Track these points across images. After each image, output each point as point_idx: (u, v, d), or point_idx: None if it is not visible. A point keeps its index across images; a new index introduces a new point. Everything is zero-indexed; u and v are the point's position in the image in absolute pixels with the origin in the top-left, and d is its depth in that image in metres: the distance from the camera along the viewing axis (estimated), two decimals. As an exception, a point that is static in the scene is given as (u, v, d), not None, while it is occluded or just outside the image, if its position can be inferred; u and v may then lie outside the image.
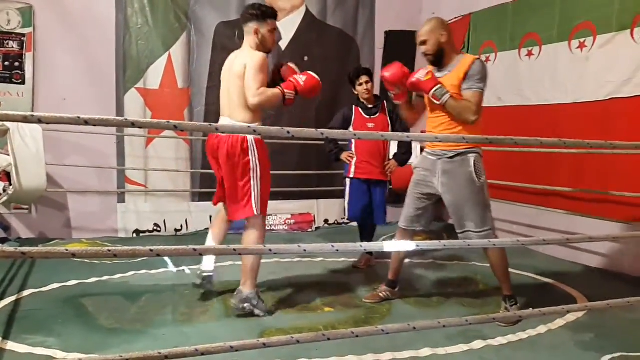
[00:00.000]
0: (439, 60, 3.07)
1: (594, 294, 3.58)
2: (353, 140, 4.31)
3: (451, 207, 3.13)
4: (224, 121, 3.15)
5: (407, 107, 3.28)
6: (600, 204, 4.26)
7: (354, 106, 4.29)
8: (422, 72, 3.05)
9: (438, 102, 2.97)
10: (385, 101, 4.26)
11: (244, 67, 3.03)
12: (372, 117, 4.23)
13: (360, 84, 4.19)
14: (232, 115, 3.10)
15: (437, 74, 3.06)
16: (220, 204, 3.38)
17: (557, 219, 4.70)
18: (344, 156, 4.26)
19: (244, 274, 3.14)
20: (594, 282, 3.94)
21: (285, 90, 3.10)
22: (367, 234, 4.45)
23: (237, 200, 3.12)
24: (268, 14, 3.17)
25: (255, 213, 3.08)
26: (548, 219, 4.78)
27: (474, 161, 3.03)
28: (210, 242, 3.38)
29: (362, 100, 4.24)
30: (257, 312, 3.12)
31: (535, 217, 4.94)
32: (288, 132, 1.82)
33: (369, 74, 4.29)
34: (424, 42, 3.06)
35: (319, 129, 1.92)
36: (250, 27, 3.15)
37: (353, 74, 4.28)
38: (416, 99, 3.35)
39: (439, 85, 2.97)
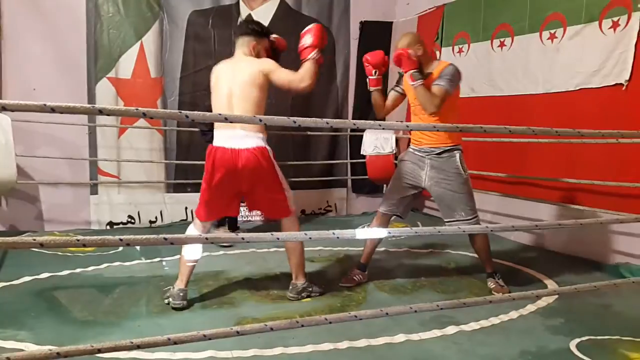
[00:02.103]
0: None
1: (563, 280, 3.69)
2: None
3: (440, 199, 3.41)
4: (235, 134, 3.02)
5: (380, 95, 3.47)
6: (567, 192, 4.37)
7: None
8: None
9: (412, 83, 3.20)
10: None
11: (260, 73, 3.04)
12: None
13: None
14: (245, 126, 3.01)
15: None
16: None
17: (524, 206, 4.79)
18: None
19: (294, 268, 3.32)
20: (563, 268, 4.03)
21: (311, 55, 3.05)
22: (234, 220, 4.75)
23: (272, 205, 3.24)
24: (266, 33, 3.30)
25: (292, 211, 3.26)
26: (515, 206, 4.87)
27: (459, 157, 3.36)
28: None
29: None
30: (313, 295, 3.35)
31: (502, 205, 5.03)
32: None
33: None
34: None
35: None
36: (246, 41, 3.19)
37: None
38: (393, 94, 3.54)
39: (418, 69, 3.21)
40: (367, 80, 3.45)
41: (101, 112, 1.71)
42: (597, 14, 4.09)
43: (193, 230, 3.24)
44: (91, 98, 5.27)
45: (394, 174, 3.63)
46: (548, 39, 4.53)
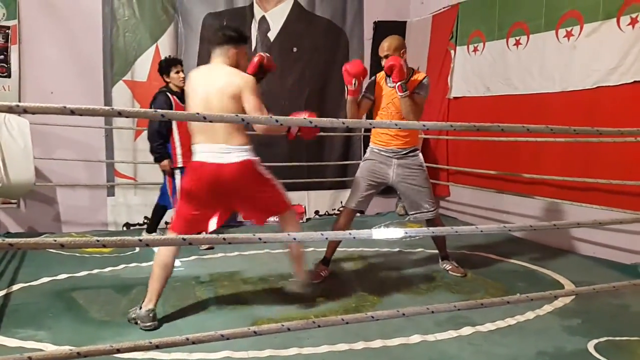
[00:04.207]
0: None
1: (580, 280, 3.64)
2: (176, 131, 4.33)
3: (406, 194, 3.74)
4: (219, 148, 2.87)
5: (355, 103, 3.62)
6: (586, 192, 4.32)
7: (169, 94, 4.36)
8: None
9: (401, 94, 3.46)
10: None
11: (238, 89, 2.84)
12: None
13: (177, 72, 4.38)
14: (229, 141, 2.86)
15: (390, 84, 3.60)
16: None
17: (541, 206, 4.75)
18: (166, 163, 4.36)
19: (294, 262, 3.27)
20: (581, 269, 3.99)
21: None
22: None
23: (267, 203, 3.11)
24: (244, 39, 3.11)
25: (289, 205, 3.20)
26: (533, 207, 4.83)
27: (421, 156, 3.76)
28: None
29: (176, 88, 4.38)
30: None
31: (520, 205, 4.99)
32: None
33: (182, 63, 4.51)
34: (386, 56, 3.54)
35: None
36: (225, 49, 2.97)
37: (168, 62, 4.44)
38: (365, 101, 3.72)
39: (405, 80, 3.49)
40: (346, 88, 3.56)
41: (120, 114, 1.73)
42: (614, 11, 4.04)
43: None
44: (108, 101, 5.33)
45: (358, 173, 3.83)
46: (564, 36, 4.49)
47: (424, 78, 3.60)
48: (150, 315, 2.86)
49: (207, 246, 4.52)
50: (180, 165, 4.35)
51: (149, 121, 4.41)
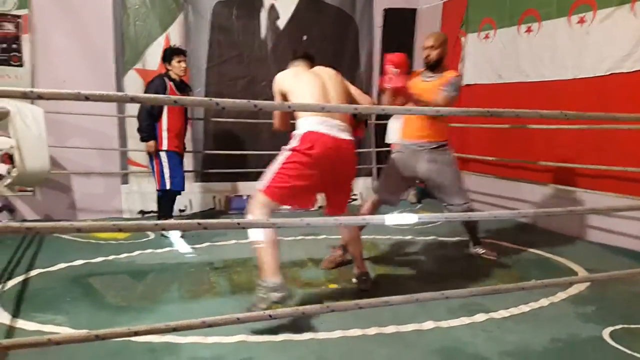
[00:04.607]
0: (434, 66, 3.64)
1: (594, 268, 3.63)
2: (166, 115, 4.49)
3: (438, 187, 3.71)
4: (336, 124, 2.90)
5: (391, 95, 3.47)
6: (599, 179, 4.29)
7: (166, 79, 4.50)
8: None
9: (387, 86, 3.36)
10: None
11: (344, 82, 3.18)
12: (182, 93, 4.58)
13: (179, 62, 4.52)
14: (342, 118, 2.95)
15: (427, 77, 3.66)
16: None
17: (554, 193, 4.73)
18: (151, 144, 4.47)
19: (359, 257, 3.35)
20: (595, 256, 3.97)
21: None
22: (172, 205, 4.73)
23: (349, 195, 3.24)
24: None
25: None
26: (546, 193, 4.81)
27: (450, 150, 3.75)
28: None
29: (175, 76, 4.53)
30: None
31: (533, 192, 4.96)
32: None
33: (185, 54, 4.66)
34: (432, 47, 3.61)
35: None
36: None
37: (172, 51, 4.58)
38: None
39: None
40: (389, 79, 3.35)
41: (133, 99, 1.74)
42: (629, -4, 3.99)
43: (258, 210, 2.80)
44: (119, 89, 5.33)
45: (388, 165, 3.86)
46: (577, 23, 4.44)
47: (453, 76, 3.60)
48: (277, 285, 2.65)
49: (181, 233, 4.54)
50: (165, 148, 4.50)
51: None
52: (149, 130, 4.48)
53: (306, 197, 3.17)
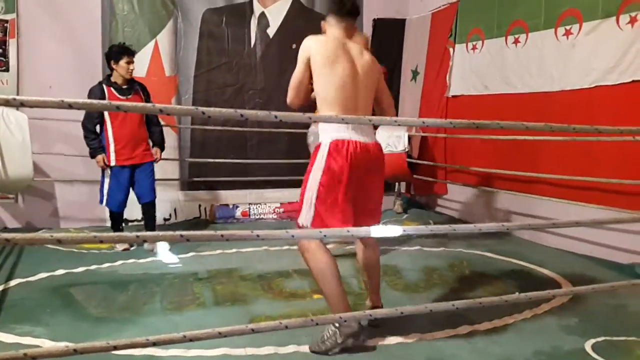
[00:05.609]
0: None
1: (578, 280, 3.64)
2: (109, 125, 4.18)
3: None
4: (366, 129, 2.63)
5: None
6: (584, 191, 4.31)
7: (104, 85, 4.18)
8: None
9: None
10: (136, 83, 4.31)
11: (378, 74, 2.75)
12: (126, 97, 4.20)
13: (128, 62, 4.16)
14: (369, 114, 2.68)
15: None
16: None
17: (539, 205, 4.75)
18: (99, 159, 4.18)
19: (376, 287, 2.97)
20: (578, 268, 3.99)
21: None
22: (148, 217, 4.46)
23: (380, 204, 2.80)
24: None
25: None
26: (531, 205, 4.83)
27: None
28: None
29: (116, 80, 4.19)
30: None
31: (518, 204, 4.99)
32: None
33: (134, 54, 4.28)
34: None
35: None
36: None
37: (121, 50, 4.18)
38: None
39: None
40: None
41: (118, 108, 1.72)
42: (614, 10, 4.03)
43: (313, 243, 2.57)
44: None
45: None
46: (563, 35, 4.48)
47: None
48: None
49: (124, 247, 4.32)
50: (112, 163, 4.17)
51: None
52: (93, 145, 4.17)
53: (349, 210, 2.60)
